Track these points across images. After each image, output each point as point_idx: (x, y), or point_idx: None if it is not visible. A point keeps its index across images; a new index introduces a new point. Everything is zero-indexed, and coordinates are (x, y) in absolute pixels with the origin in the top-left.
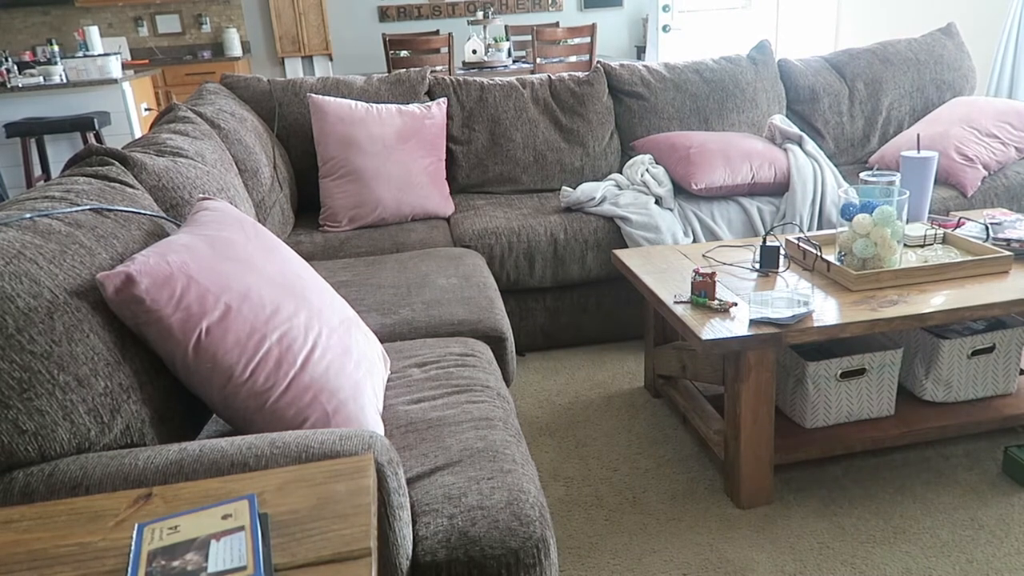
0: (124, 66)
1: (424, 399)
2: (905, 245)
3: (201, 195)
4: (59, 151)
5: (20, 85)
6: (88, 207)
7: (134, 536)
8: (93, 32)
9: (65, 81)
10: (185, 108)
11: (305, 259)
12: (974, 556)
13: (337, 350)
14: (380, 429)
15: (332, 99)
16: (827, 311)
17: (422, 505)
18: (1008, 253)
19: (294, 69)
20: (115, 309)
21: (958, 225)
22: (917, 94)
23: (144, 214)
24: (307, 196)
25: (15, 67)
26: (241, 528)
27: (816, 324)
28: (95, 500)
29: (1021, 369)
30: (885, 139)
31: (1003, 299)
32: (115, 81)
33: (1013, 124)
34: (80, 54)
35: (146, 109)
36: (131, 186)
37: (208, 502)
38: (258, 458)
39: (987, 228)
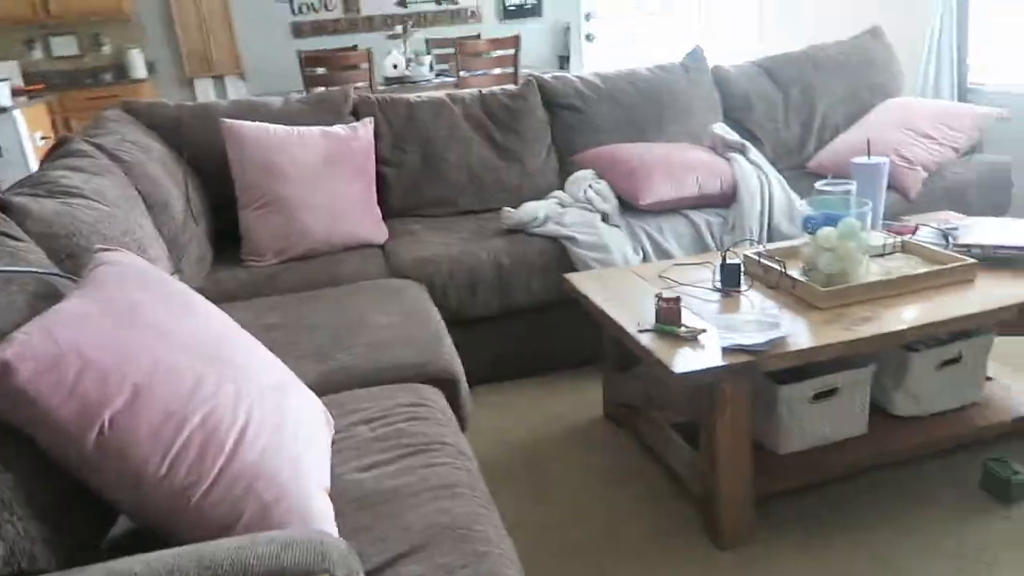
0: (15, 92)
1: (375, 464)
2: None
3: (100, 244)
4: None
5: None
6: None
7: None
8: None
9: None
10: (80, 140)
11: (228, 299)
12: None
13: (273, 422)
14: (329, 512)
15: (248, 123)
16: (799, 332)
17: None
18: (972, 260)
19: (204, 90)
20: None
21: (914, 231)
22: (851, 98)
23: (29, 272)
24: (226, 229)
25: None
26: None
27: (792, 348)
28: None
29: (988, 376)
30: (822, 144)
31: (977, 310)
32: (6, 110)
33: (949, 125)
34: None
35: (42, 138)
36: (14, 238)
37: None
38: None
39: (945, 236)
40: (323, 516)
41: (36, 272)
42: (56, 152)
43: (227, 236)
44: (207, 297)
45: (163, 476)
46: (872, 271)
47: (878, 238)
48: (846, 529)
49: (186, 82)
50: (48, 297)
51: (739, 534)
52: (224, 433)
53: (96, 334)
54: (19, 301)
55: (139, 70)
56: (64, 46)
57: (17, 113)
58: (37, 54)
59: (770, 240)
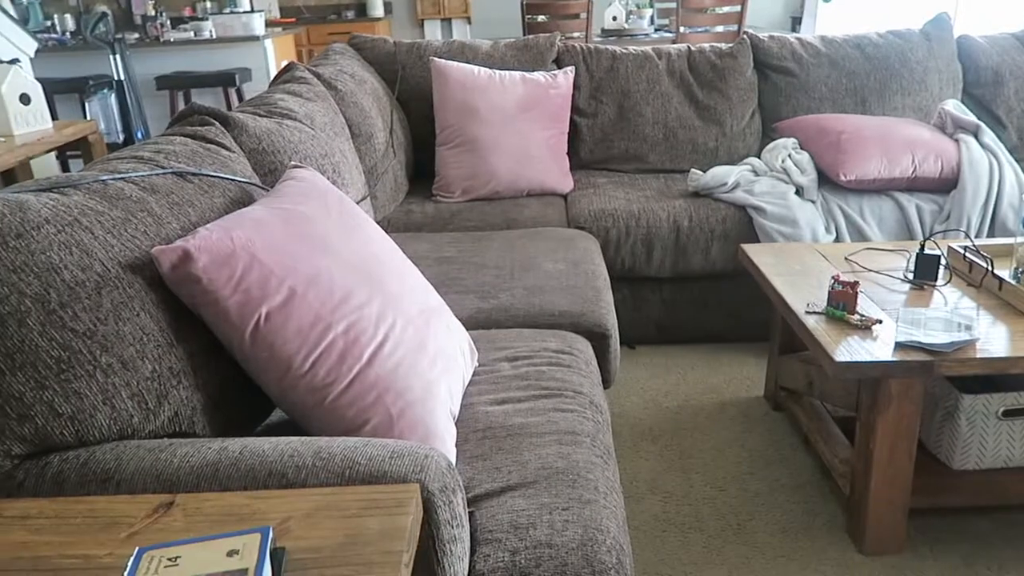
0: (271, 24)
1: (509, 400)
2: None
3: (295, 162)
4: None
5: (172, 40)
6: (171, 170)
7: (130, 563)
8: None
9: (213, 37)
10: (302, 68)
11: (414, 229)
12: None
13: (411, 344)
14: (451, 435)
15: (454, 64)
16: (994, 339)
17: (485, 532)
18: None
19: (433, 31)
20: (171, 286)
21: None
22: None
23: (231, 179)
24: (424, 163)
25: (168, 22)
26: (244, 572)
27: (980, 355)
28: (116, 502)
29: None
30: None
31: None
32: (257, 38)
33: None
34: (228, 10)
35: None
36: (228, 148)
37: (230, 519)
38: (298, 469)
39: None
40: (443, 436)
41: (237, 180)
42: (282, 77)
43: (424, 171)
44: (396, 225)
45: (305, 372)
46: None
47: None
48: (1018, 562)
49: (418, 23)
50: (243, 203)
51: (885, 542)
52: (364, 344)
53: (267, 239)
54: (218, 203)
55: (377, 9)
56: None
57: (268, 42)
58: None
59: (992, 236)
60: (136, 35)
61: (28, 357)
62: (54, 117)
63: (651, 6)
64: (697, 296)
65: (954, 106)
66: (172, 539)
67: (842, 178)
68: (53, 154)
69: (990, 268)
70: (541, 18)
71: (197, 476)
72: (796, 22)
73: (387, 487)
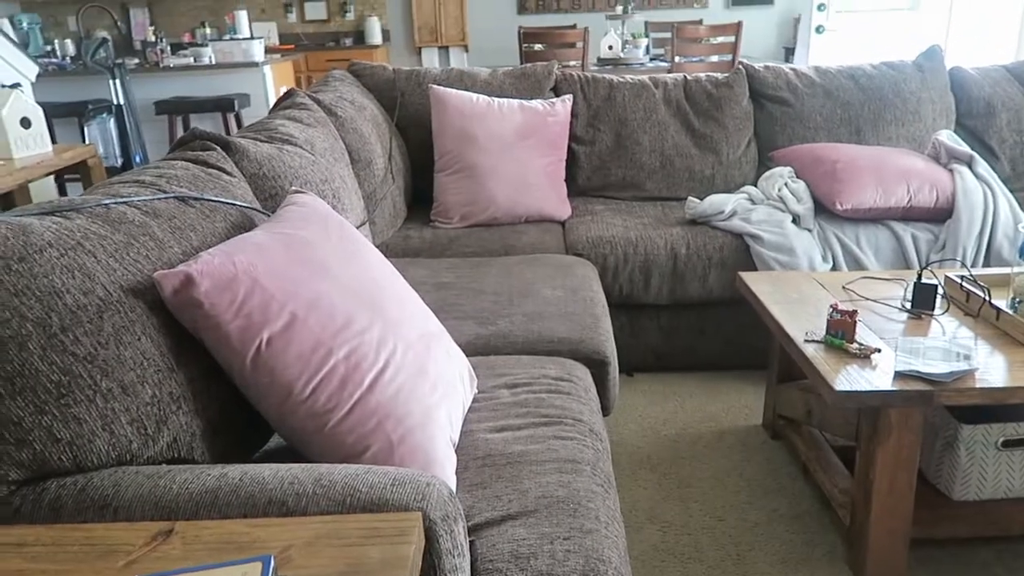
0: (270, 51)
1: (508, 428)
2: None
3: (296, 187)
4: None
5: (171, 65)
6: (173, 195)
7: None
8: (241, 16)
9: (212, 63)
10: (303, 94)
11: (412, 254)
12: None
13: (411, 370)
14: (451, 463)
15: (453, 91)
16: (993, 369)
17: (485, 561)
18: None
19: (430, 59)
20: (173, 311)
21: None
22: None
23: (233, 204)
24: (422, 189)
25: (168, 48)
26: None
27: (979, 385)
28: (114, 529)
29: None
30: None
31: None
32: (256, 64)
33: None
34: (227, 37)
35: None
36: (229, 173)
37: (230, 548)
38: (298, 497)
39: None
40: (443, 464)
41: (238, 205)
42: (282, 103)
43: (422, 197)
44: (394, 250)
45: (305, 398)
46: None
47: None
48: None
49: (415, 51)
50: (244, 228)
51: (886, 572)
52: (365, 370)
53: (269, 263)
54: (220, 228)
55: (375, 37)
56: (315, 11)
57: (267, 68)
58: (293, 17)
59: (987, 266)
60: (136, 60)
61: (28, 381)
62: (53, 141)
63: (646, 35)
64: (695, 323)
65: (948, 136)
66: (171, 567)
67: (838, 207)
68: (52, 178)
69: (987, 298)
70: (538, 47)
71: (196, 503)
72: (789, 52)
73: (389, 515)
